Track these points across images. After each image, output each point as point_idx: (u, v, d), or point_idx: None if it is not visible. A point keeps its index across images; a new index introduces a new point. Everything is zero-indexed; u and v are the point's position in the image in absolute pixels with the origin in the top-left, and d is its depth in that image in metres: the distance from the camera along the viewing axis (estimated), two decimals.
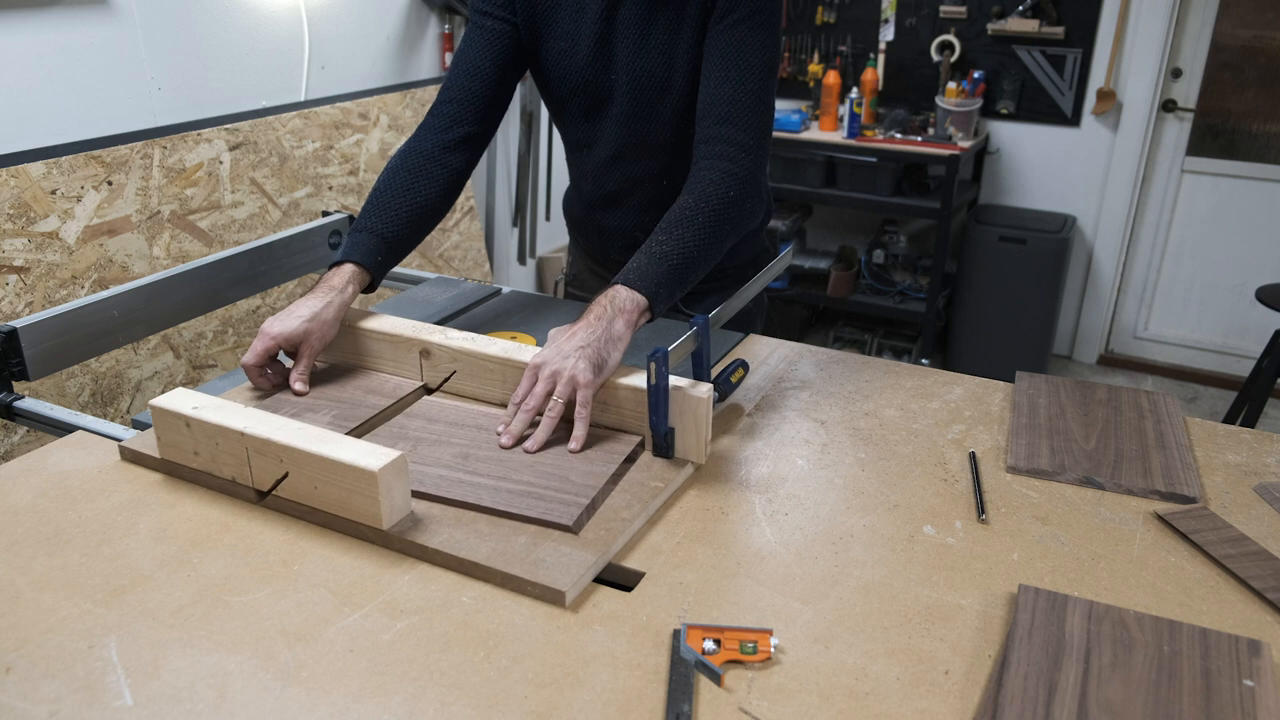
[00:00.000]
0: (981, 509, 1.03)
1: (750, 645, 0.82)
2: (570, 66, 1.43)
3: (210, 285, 1.64)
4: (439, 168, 1.40)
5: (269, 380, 1.25)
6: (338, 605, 0.87)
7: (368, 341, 1.30)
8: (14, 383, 1.33)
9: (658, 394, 1.08)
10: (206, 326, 2.24)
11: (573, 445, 1.11)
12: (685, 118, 1.42)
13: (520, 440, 1.13)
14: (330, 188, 2.59)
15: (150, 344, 2.10)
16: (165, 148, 2.13)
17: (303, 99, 2.59)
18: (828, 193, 3.74)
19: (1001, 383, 1.34)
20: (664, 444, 1.11)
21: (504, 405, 1.23)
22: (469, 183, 3.14)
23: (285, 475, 1.01)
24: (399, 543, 0.96)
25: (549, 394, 1.13)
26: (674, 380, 1.08)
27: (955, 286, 3.87)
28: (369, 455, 0.95)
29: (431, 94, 2.99)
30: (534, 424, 1.14)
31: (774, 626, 0.85)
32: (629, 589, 0.91)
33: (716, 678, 0.79)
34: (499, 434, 1.14)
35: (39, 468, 1.09)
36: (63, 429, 1.22)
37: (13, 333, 1.32)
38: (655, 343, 1.18)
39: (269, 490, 1.03)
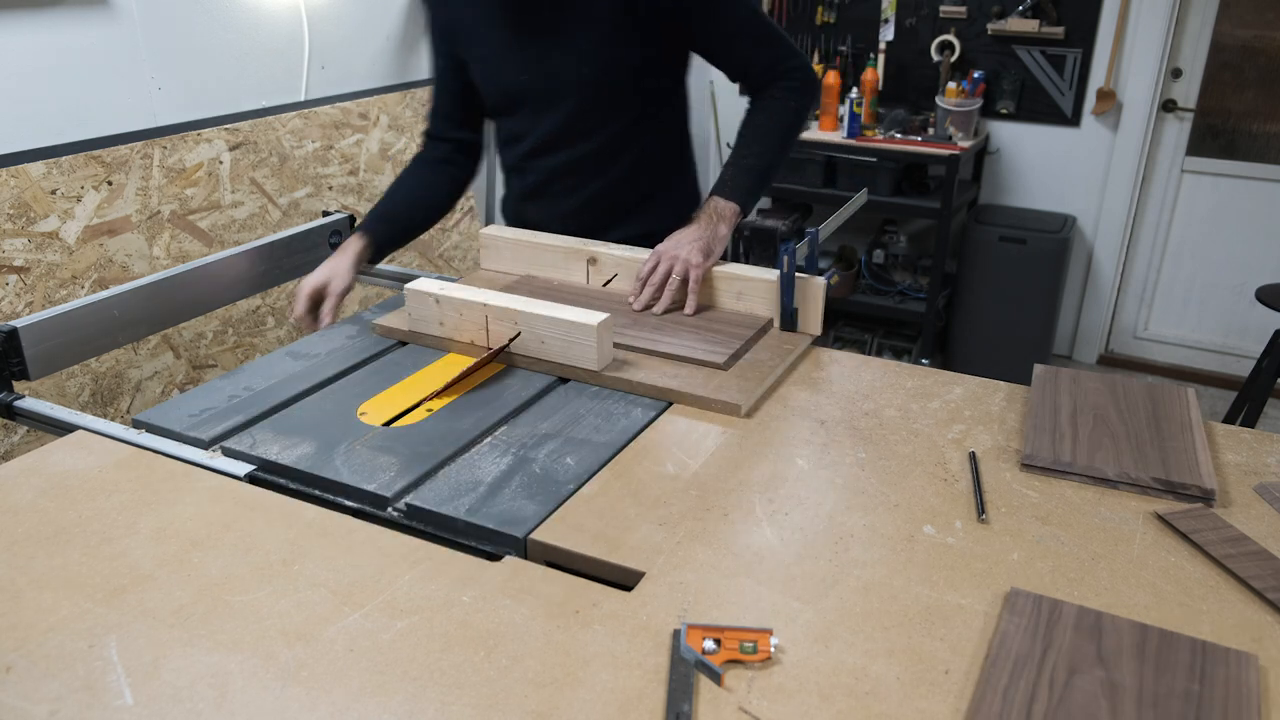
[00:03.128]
0: (981, 509, 1.03)
1: (750, 645, 0.82)
2: (489, 71, 1.61)
3: (210, 285, 1.64)
4: (434, 170, 1.72)
5: (317, 325, 1.53)
6: (338, 605, 0.87)
7: (546, 254, 1.64)
8: (14, 382, 1.33)
9: (787, 280, 1.42)
10: (206, 326, 2.24)
11: (687, 311, 1.47)
12: (597, 111, 1.58)
13: (647, 308, 1.48)
14: (330, 188, 2.59)
15: (150, 344, 2.10)
16: (165, 148, 2.13)
17: (303, 99, 2.59)
18: (827, 192, 3.74)
19: (1002, 383, 1.34)
20: (790, 319, 1.44)
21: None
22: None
23: (518, 334, 1.33)
24: (610, 380, 1.29)
25: (669, 273, 1.48)
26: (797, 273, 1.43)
27: (955, 286, 3.87)
28: (586, 315, 1.29)
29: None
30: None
31: (774, 626, 0.85)
32: (629, 589, 0.91)
33: (716, 677, 0.79)
34: (629, 302, 1.50)
35: (39, 468, 1.09)
36: (63, 429, 1.22)
37: (13, 333, 1.32)
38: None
39: (503, 347, 1.34)
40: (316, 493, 1.08)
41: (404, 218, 1.69)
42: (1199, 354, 3.92)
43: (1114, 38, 3.57)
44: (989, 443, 1.18)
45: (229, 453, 1.15)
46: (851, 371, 1.37)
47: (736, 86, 4.30)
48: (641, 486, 1.07)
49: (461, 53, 1.63)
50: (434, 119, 1.72)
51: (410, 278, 1.81)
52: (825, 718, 0.75)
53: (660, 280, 1.49)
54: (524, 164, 1.68)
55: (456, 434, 1.17)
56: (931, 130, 3.71)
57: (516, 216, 1.77)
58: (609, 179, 1.64)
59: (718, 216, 1.53)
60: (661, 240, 1.54)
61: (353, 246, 1.60)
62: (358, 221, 1.69)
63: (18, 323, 1.33)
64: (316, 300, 1.54)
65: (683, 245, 1.49)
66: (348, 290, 1.56)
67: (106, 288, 1.78)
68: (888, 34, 3.89)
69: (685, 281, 1.49)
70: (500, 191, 1.86)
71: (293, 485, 1.10)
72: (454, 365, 1.36)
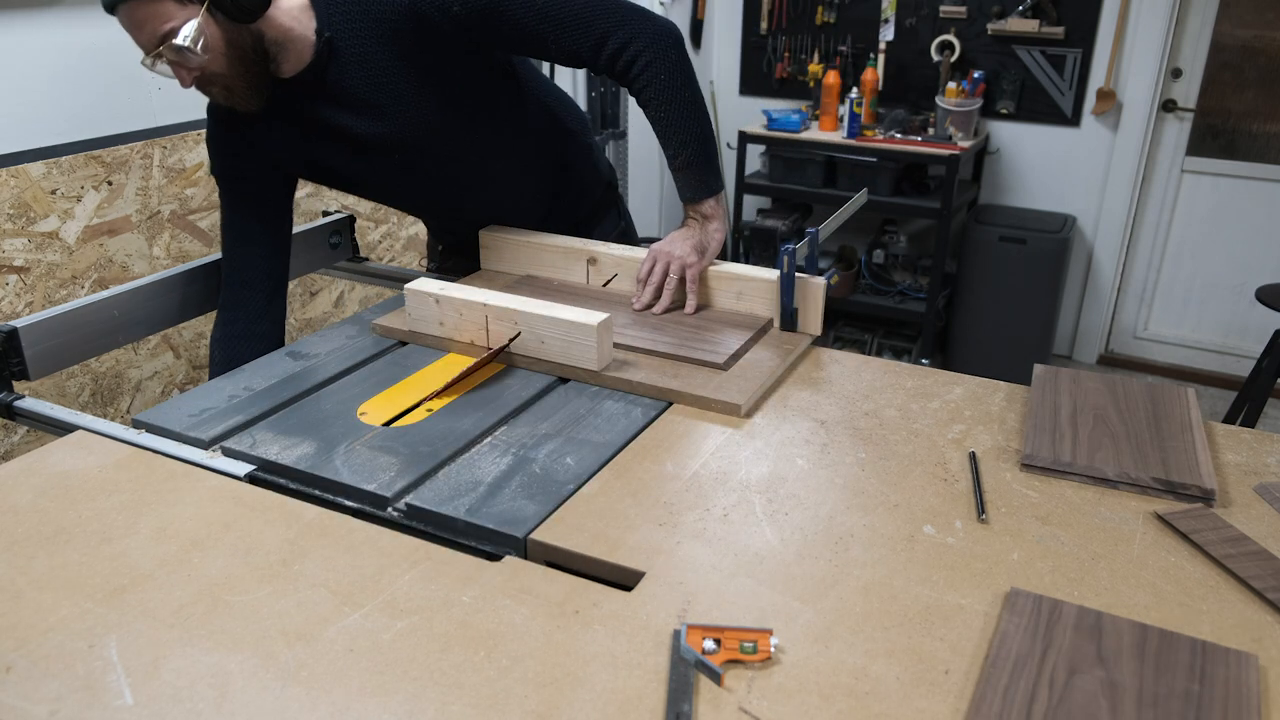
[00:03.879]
0: (981, 509, 1.03)
1: (750, 645, 0.82)
2: (342, 177, 1.59)
3: (210, 285, 1.64)
4: (259, 340, 1.53)
5: None
6: (338, 605, 0.87)
7: (546, 254, 1.65)
8: (14, 382, 1.33)
9: (787, 280, 1.42)
10: (206, 326, 2.24)
11: (688, 310, 1.49)
12: (478, 159, 1.57)
13: (647, 307, 1.49)
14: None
15: (150, 344, 2.10)
16: (165, 148, 2.13)
17: None
18: (828, 192, 3.74)
19: (1002, 383, 1.34)
20: (790, 319, 1.45)
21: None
22: None
23: (518, 334, 1.33)
24: (610, 380, 1.29)
25: (666, 272, 1.48)
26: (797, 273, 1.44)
27: (955, 286, 3.87)
28: (586, 315, 1.29)
29: None
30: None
31: (774, 626, 0.85)
32: (629, 589, 0.91)
33: (716, 677, 0.79)
34: (632, 303, 1.51)
35: (39, 468, 1.09)
36: (63, 429, 1.22)
37: (13, 333, 1.32)
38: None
39: (503, 347, 1.33)
40: (316, 493, 1.08)
41: None
42: (1199, 354, 3.92)
43: (1114, 38, 3.57)
44: (989, 443, 1.18)
45: (229, 453, 1.15)
46: (851, 371, 1.37)
47: (735, 86, 4.31)
48: (641, 486, 1.07)
49: (311, 179, 1.61)
50: (241, 286, 1.54)
51: (410, 278, 1.82)
52: (825, 718, 0.75)
53: (659, 280, 1.49)
54: (463, 235, 1.72)
55: (456, 434, 1.17)
56: (931, 130, 3.71)
57: (453, 245, 1.81)
58: (530, 186, 1.68)
59: (701, 217, 1.52)
60: (601, 202, 1.62)
61: None
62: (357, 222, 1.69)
63: (18, 323, 1.33)
64: None
65: (676, 244, 1.50)
66: None
67: (106, 288, 1.78)
68: (888, 34, 3.89)
69: (684, 280, 1.49)
70: None
71: (293, 485, 1.10)
72: (454, 365, 1.36)
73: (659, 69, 1.43)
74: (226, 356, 1.50)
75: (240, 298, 1.54)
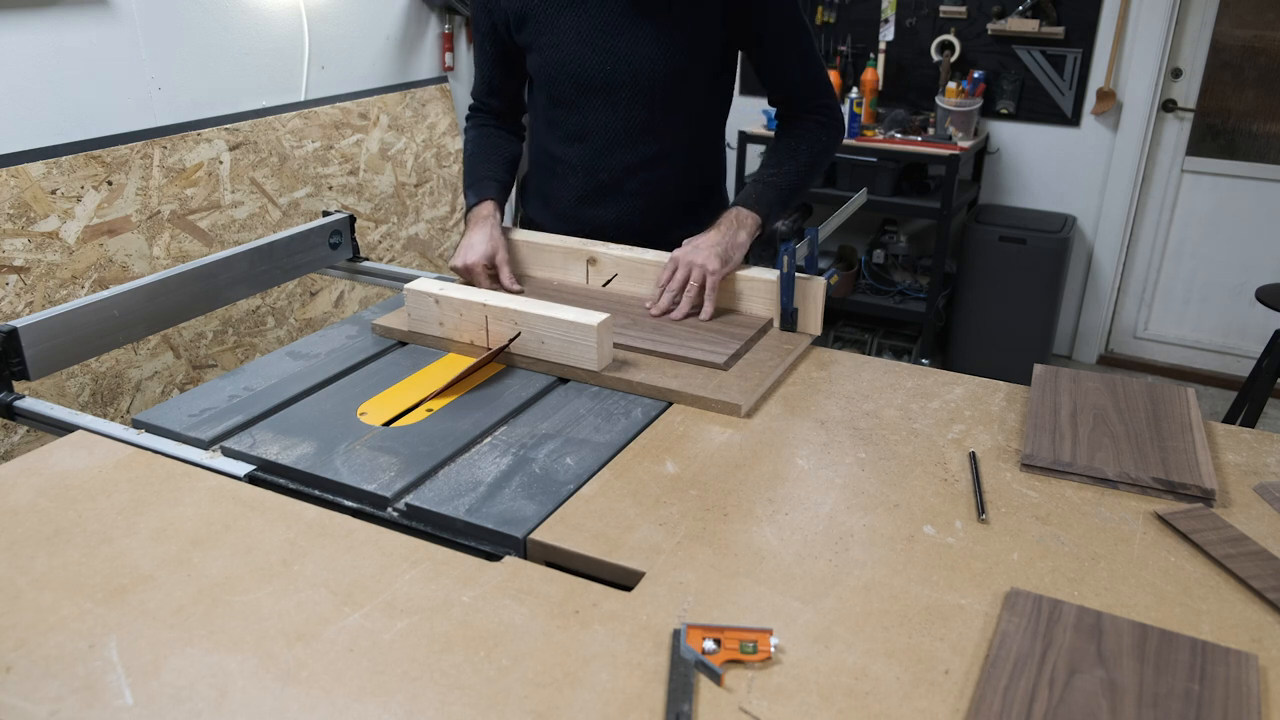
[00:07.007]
0: (981, 509, 1.03)
1: (750, 645, 0.82)
2: (565, 58, 1.56)
3: (210, 285, 1.64)
4: (501, 133, 1.76)
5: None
6: (338, 605, 0.87)
7: (546, 254, 1.64)
8: (14, 382, 1.33)
9: (787, 280, 1.42)
10: (206, 326, 2.25)
11: (703, 317, 1.47)
12: (678, 103, 1.58)
13: (665, 313, 1.48)
14: (330, 188, 2.59)
15: (150, 344, 2.10)
16: (165, 148, 2.13)
17: (303, 99, 2.59)
18: (827, 192, 3.74)
19: (1002, 383, 1.34)
20: (790, 319, 1.45)
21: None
22: None
23: (518, 334, 1.33)
24: (610, 380, 1.29)
25: (686, 279, 1.47)
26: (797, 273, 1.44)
27: (955, 286, 3.87)
28: (586, 315, 1.30)
29: (431, 94, 2.99)
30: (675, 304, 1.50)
31: (774, 626, 0.85)
32: (629, 589, 0.91)
33: (716, 677, 0.79)
34: (647, 308, 1.50)
35: (39, 468, 1.09)
36: (63, 429, 1.22)
37: (13, 333, 1.32)
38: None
39: (503, 347, 1.34)
40: (316, 493, 1.08)
41: (507, 178, 1.72)
42: (1199, 354, 3.92)
43: (1114, 38, 3.57)
44: (989, 443, 1.18)
45: (229, 453, 1.15)
46: (851, 371, 1.37)
47: (736, 86, 4.30)
48: (641, 486, 1.07)
49: (522, 41, 1.60)
50: (483, 90, 1.74)
51: (410, 278, 1.82)
52: (825, 718, 0.75)
53: (679, 286, 1.48)
54: (595, 161, 1.63)
55: (456, 434, 1.17)
56: (931, 130, 3.71)
57: (577, 223, 1.70)
58: (679, 174, 1.63)
59: (738, 224, 1.51)
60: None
61: (489, 215, 1.61)
62: (355, 220, 1.68)
63: (18, 323, 1.33)
64: (492, 274, 1.58)
65: (700, 251, 1.47)
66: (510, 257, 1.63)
67: (106, 288, 1.78)
68: (888, 34, 3.88)
69: (703, 288, 1.46)
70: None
71: (293, 485, 1.10)
72: (454, 365, 1.36)
73: (823, 133, 1.62)
74: (474, 148, 1.73)
75: (480, 115, 1.77)
